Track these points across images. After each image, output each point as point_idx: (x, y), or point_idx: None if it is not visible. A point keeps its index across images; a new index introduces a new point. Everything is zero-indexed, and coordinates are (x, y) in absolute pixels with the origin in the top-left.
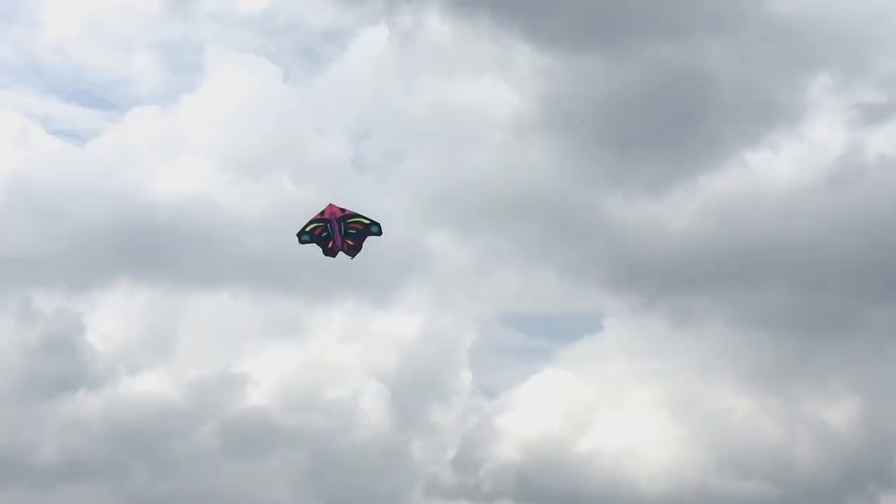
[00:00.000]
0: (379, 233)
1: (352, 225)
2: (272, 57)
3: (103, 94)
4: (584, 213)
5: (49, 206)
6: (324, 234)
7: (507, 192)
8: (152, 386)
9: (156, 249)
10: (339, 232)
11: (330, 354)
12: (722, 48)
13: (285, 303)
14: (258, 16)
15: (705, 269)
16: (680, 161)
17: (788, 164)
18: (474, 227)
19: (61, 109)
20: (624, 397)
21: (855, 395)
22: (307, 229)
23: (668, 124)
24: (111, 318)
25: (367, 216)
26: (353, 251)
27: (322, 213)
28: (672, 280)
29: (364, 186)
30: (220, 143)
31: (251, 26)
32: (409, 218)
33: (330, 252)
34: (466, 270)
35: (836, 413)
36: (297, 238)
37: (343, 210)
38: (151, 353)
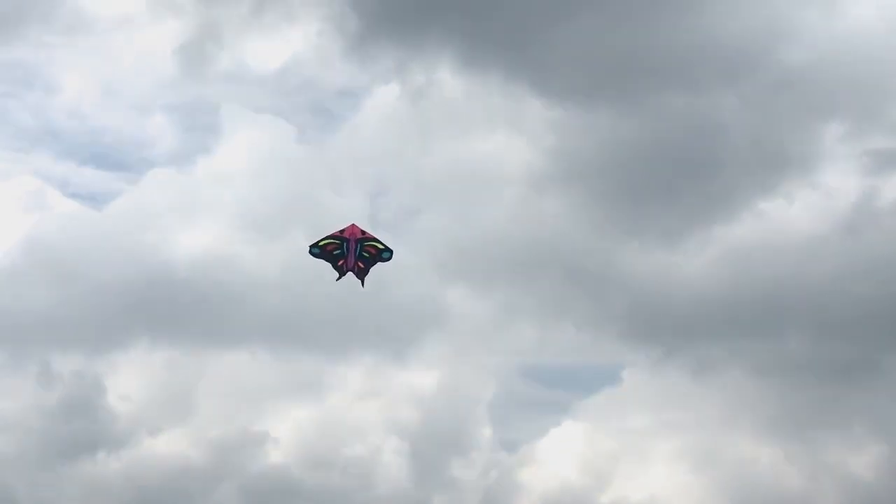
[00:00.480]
0: (389, 259)
1: (367, 248)
2: (287, 116)
3: (120, 156)
4: (600, 265)
5: (66, 269)
6: (336, 251)
7: (523, 246)
8: (172, 446)
9: (174, 309)
10: (354, 252)
11: (349, 411)
12: (734, 98)
13: (303, 360)
14: (272, 76)
15: (723, 319)
16: (694, 211)
17: (803, 213)
18: (491, 281)
19: (78, 172)
20: (645, 449)
21: (879, 442)
22: (320, 243)
23: (681, 174)
24: (130, 378)
25: (383, 242)
26: (362, 274)
27: (342, 231)
28: (690, 330)
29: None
30: (236, 202)
31: (265, 86)
32: (426, 273)
33: (339, 270)
34: (484, 324)
35: (860, 461)
36: (309, 249)
37: (364, 232)
38: (171, 413)
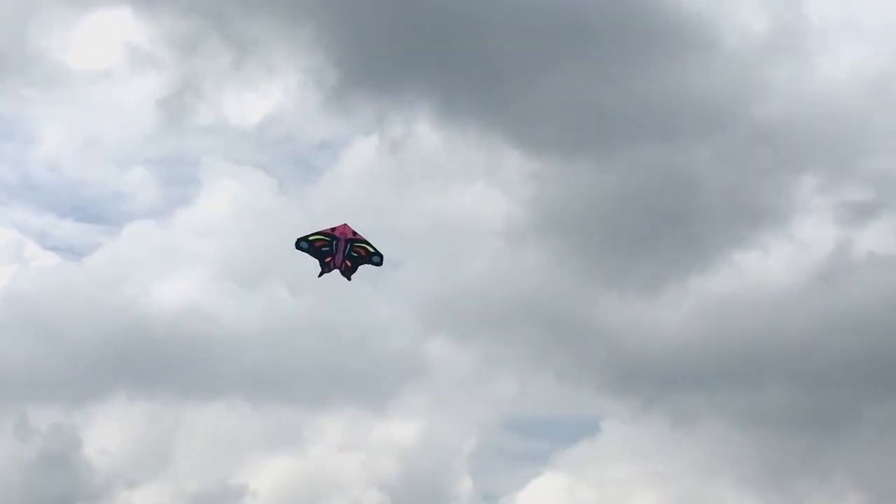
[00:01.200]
0: (380, 263)
1: (356, 249)
2: (267, 168)
3: (99, 209)
4: (578, 316)
5: (45, 321)
6: (324, 248)
7: (503, 297)
8: (150, 500)
9: (152, 362)
10: (343, 252)
11: (329, 463)
12: (710, 151)
13: (283, 412)
14: (252, 128)
15: (701, 370)
16: (671, 263)
17: (779, 264)
18: (472, 333)
19: (57, 225)
20: (625, 500)
21: (859, 491)
22: (309, 238)
23: (658, 226)
24: (108, 432)
25: (374, 245)
26: (348, 272)
27: (333, 229)
28: (669, 381)
29: (361, 295)
30: (216, 254)
31: (245, 138)
32: (406, 325)
33: (325, 267)
34: (465, 376)
35: None
36: (296, 243)
37: (355, 234)
38: (149, 466)
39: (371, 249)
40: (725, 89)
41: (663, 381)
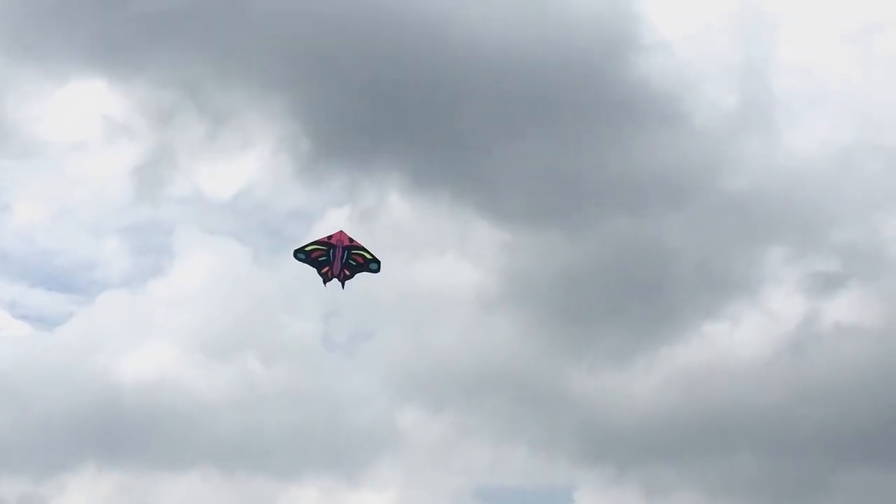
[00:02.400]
0: (377, 270)
1: (354, 256)
2: (240, 237)
3: (71, 278)
4: (550, 386)
5: (14, 391)
6: (322, 258)
7: (474, 367)
8: None
9: (124, 432)
10: (341, 259)
11: None
12: (679, 222)
13: (256, 483)
14: (226, 199)
15: (673, 439)
16: (641, 333)
17: (748, 334)
18: (444, 403)
19: (28, 294)
20: None
21: None
22: (306, 248)
23: (628, 296)
24: (78, 502)
25: (371, 252)
26: (345, 279)
27: (329, 237)
28: (641, 451)
29: (334, 365)
30: (188, 325)
31: (219, 209)
32: (379, 395)
33: (324, 277)
34: (438, 446)
35: None
36: (294, 254)
37: (352, 240)
38: None
39: (368, 256)
40: (695, 162)
41: (636, 451)
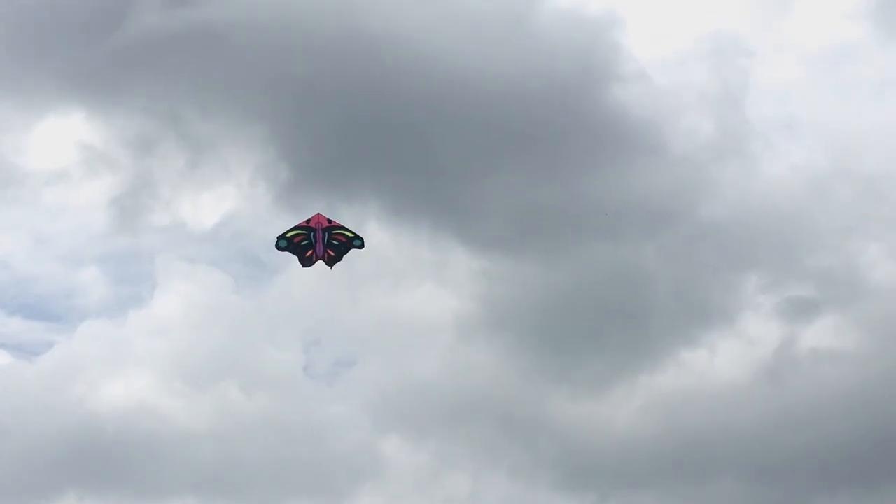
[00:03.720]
0: (361, 246)
1: (335, 236)
2: (221, 266)
3: (50, 307)
4: (530, 414)
5: None
6: (304, 242)
7: (454, 395)
8: None
9: (104, 463)
10: (322, 241)
11: None
12: (657, 250)
13: None
14: (206, 228)
15: (653, 466)
16: (620, 360)
17: (726, 361)
18: (424, 431)
19: (6, 323)
20: None
21: None
22: (287, 235)
23: (606, 324)
24: None
25: (352, 230)
26: (332, 261)
27: (308, 220)
28: (621, 478)
29: (315, 394)
30: (169, 354)
31: (199, 238)
32: (359, 423)
33: (307, 261)
34: (419, 474)
35: None
36: (275, 243)
37: (330, 221)
38: None
39: (350, 234)
40: (672, 190)
41: (616, 478)
